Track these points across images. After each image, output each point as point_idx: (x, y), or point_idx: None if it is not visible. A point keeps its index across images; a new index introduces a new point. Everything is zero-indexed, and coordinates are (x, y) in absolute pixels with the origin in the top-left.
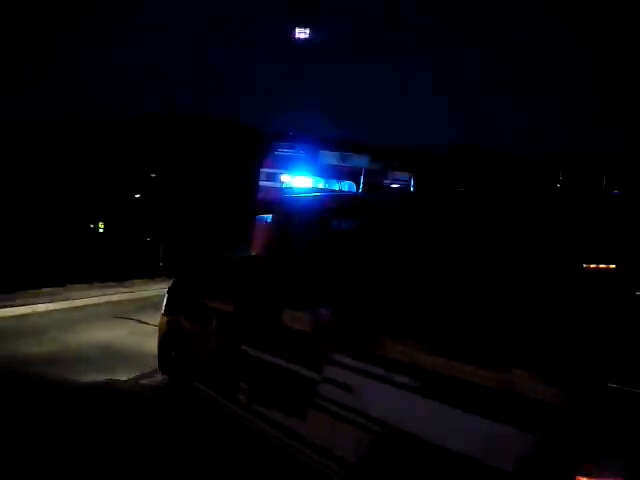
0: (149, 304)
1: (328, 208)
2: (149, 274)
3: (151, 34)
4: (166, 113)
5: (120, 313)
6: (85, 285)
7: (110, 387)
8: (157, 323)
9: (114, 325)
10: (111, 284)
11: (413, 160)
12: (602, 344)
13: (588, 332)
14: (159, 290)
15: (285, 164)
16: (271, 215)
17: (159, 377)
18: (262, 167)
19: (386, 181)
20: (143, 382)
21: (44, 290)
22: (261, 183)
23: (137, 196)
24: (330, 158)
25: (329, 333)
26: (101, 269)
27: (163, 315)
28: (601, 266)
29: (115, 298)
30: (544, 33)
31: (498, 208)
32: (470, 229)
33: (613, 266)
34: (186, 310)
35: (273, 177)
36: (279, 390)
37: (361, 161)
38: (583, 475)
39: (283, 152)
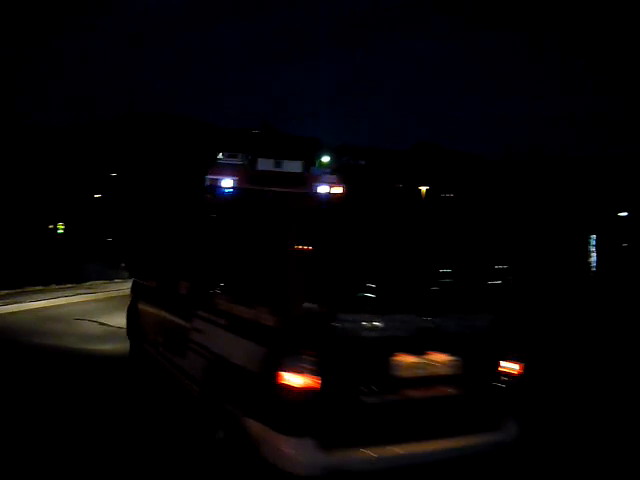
0: (109, 305)
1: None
2: (110, 275)
3: (117, 35)
4: (127, 113)
5: (80, 315)
6: (41, 287)
7: (99, 350)
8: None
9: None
10: (70, 286)
11: (375, 158)
12: (303, 292)
13: (294, 287)
14: (120, 291)
15: (226, 172)
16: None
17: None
18: (207, 174)
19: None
20: (118, 347)
21: (1, 292)
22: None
23: (97, 196)
24: (267, 165)
25: (194, 295)
26: (60, 271)
27: (130, 296)
28: (303, 246)
29: (74, 300)
30: (510, 36)
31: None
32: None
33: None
34: (139, 291)
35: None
36: (174, 339)
37: (294, 166)
38: (284, 370)
39: (224, 161)
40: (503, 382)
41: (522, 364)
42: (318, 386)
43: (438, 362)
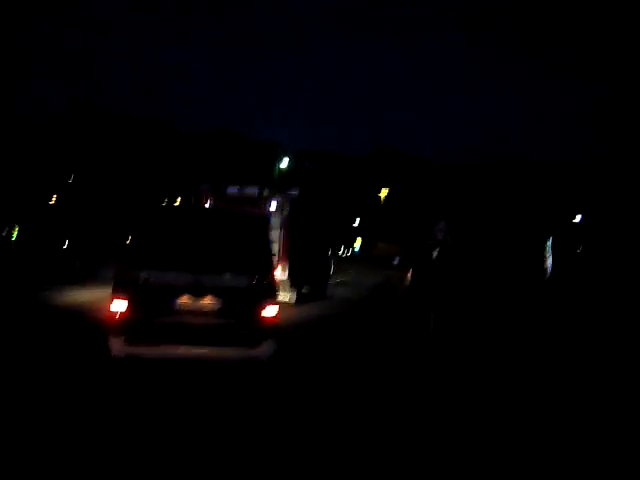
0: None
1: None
2: (65, 281)
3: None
4: (81, 114)
5: None
6: None
7: None
8: None
9: None
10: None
11: (333, 163)
12: (128, 263)
13: (124, 261)
14: (72, 298)
15: (206, 195)
16: None
17: None
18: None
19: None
20: None
21: None
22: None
23: (53, 200)
24: (232, 189)
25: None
26: (9, 278)
27: None
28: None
29: None
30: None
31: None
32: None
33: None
34: None
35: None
36: None
37: (252, 191)
38: (112, 300)
39: (205, 188)
40: (264, 318)
41: (278, 309)
42: (126, 311)
43: (206, 302)
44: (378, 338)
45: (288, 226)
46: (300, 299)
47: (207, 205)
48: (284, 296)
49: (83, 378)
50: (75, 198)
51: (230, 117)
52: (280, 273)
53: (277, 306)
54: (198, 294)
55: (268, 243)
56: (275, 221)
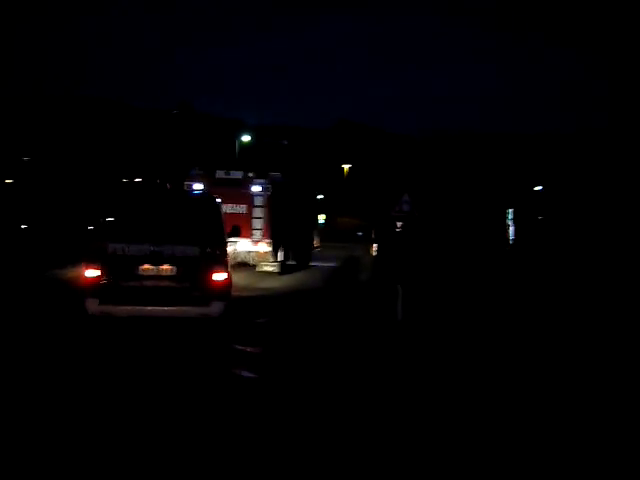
0: None
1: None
2: (65, 261)
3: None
4: (35, 92)
5: None
6: None
7: None
8: None
9: None
10: None
11: (296, 137)
12: (99, 236)
13: (95, 235)
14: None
15: (197, 179)
16: None
17: None
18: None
19: (253, 186)
20: None
21: None
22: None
23: (9, 181)
24: (220, 173)
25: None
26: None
27: None
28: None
29: None
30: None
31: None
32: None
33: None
34: None
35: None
36: None
37: (237, 174)
38: (86, 269)
39: (195, 172)
40: (214, 282)
41: (228, 273)
42: (98, 276)
43: (163, 269)
44: (348, 304)
45: (271, 205)
46: (284, 269)
47: (198, 187)
48: (269, 267)
49: (67, 330)
50: (33, 178)
51: (190, 93)
52: (264, 246)
53: (226, 272)
54: (157, 262)
55: (219, 219)
56: (259, 200)
